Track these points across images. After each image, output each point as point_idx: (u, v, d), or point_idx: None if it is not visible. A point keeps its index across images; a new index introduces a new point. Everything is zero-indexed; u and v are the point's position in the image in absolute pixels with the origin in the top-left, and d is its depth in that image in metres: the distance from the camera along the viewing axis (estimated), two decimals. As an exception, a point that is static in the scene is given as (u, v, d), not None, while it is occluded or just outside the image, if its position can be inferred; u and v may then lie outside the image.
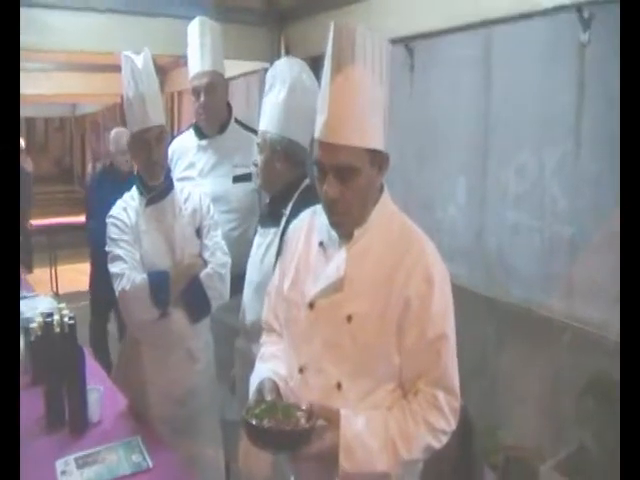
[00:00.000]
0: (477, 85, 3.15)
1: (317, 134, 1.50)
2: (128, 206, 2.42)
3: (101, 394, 2.20)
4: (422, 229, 1.60)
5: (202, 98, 2.88)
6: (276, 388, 1.59)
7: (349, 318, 1.50)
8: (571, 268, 2.73)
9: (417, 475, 1.64)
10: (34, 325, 2.34)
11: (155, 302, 2.29)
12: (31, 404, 2.13)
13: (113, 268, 2.33)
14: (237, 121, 3.07)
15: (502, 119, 3.04)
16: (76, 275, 6.55)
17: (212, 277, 2.41)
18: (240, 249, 2.54)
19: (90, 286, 4.78)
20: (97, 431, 2.12)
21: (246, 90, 5.39)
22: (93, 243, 4.44)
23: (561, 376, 2.75)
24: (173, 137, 3.16)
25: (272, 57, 4.18)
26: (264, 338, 1.81)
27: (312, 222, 1.69)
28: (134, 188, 2.46)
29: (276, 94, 2.25)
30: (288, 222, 1.99)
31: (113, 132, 4.67)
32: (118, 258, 2.32)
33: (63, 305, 2.38)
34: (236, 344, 2.42)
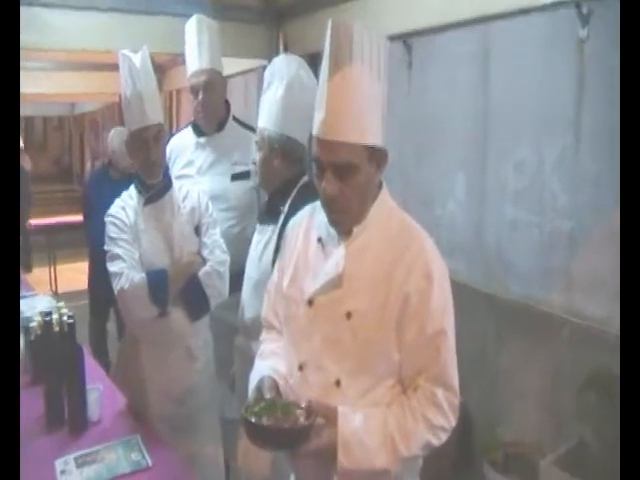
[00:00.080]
0: (475, 81, 3.15)
1: (315, 131, 1.49)
2: (127, 205, 2.42)
3: (100, 393, 2.20)
4: (421, 225, 1.60)
5: (200, 96, 2.87)
6: (275, 386, 1.59)
7: (348, 315, 1.50)
8: (570, 263, 2.73)
9: (417, 472, 1.64)
10: (33, 324, 2.34)
11: (154, 301, 2.29)
12: (30, 403, 2.13)
13: (112, 267, 2.32)
14: (235, 119, 3.06)
15: (501, 115, 3.04)
16: (75, 274, 6.55)
17: (211, 275, 2.40)
18: (239, 247, 2.54)
19: (89, 285, 4.78)
20: (96, 430, 2.12)
21: (244, 88, 5.39)
22: (91, 242, 4.44)
23: (561, 371, 2.75)
24: (172, 135, 3.15)
25: (270, 55, 4.18)
26: (263, 335, 1.81)
27: (311, 219, 1.69)
28: (132, 187, 2.46)
29: (274, 91, 2.25)
30: (286, 219, 1.99)
31: (112, 131, 4.68)
32: (117, 257, 2.32)
33: (62, 304, 2.38)
34: (235, 342, 2.42)
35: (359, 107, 1.44)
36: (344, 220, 1.55)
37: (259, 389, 1.57)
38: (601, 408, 2.49)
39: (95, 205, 3.96)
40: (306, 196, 1.94)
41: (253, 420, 1.39)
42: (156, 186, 2.41)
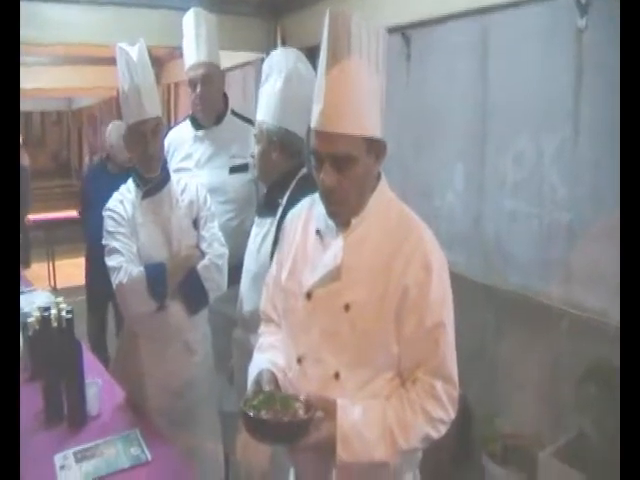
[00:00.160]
0: (474, 72, 3.13)
1: (313, 123, 1.49)
2: (124, 199, 2.41)
3: (99, 388, 2.20)
4: (420, 217, 1.59)
5: (198, 89, 2.86)
6: (274, 379, 1.58)
7: (347, 307, 1.50)
8: (569, 255, 2.73)
9: (416, 464, 1.64)
10: (32, 320, 2.33)
11: (152, 294, 2.28)
12: (29, 399, 2.12)
13: (110, 261, 2.32)
14: (234, 112, 3.05)
15: (500, 106, 3.03)
16: (74, 270, 6.53)
17: (209, 268, 2.40)
18: (237, 240, 2.54)
19: (86, 279, 4.75)
20: (95, 425, 2.12)
21: (242, 81, 5.38)
22: (89, 236, 4.42)
23: (560, 363, 2.75)
24: (170, 129, 3.15)
25: (268, 47, 4.18)
26: (262, 328, 1.81)
27: (310, 211, 1.68)
28: (130, 180, 2.45)
29: (272, 84, 2.24)
30: (285, 212, 1.98)
31: (110, 125, 4.66)
32: (115, 251, 2.31)
33: (61, 299, 2.37)
34: (234, 335, 2.42)
35: (357, 99, 1.44)
36: (342, 212, 1.54)
37: (258, 382, 1.57)
38: (601, 400, 2.49)
39: (93, 199, 3.94)
40: (304, 188, 1.93)
41: (252, 414, 1.38)
42: (154, 180, 2.40)
